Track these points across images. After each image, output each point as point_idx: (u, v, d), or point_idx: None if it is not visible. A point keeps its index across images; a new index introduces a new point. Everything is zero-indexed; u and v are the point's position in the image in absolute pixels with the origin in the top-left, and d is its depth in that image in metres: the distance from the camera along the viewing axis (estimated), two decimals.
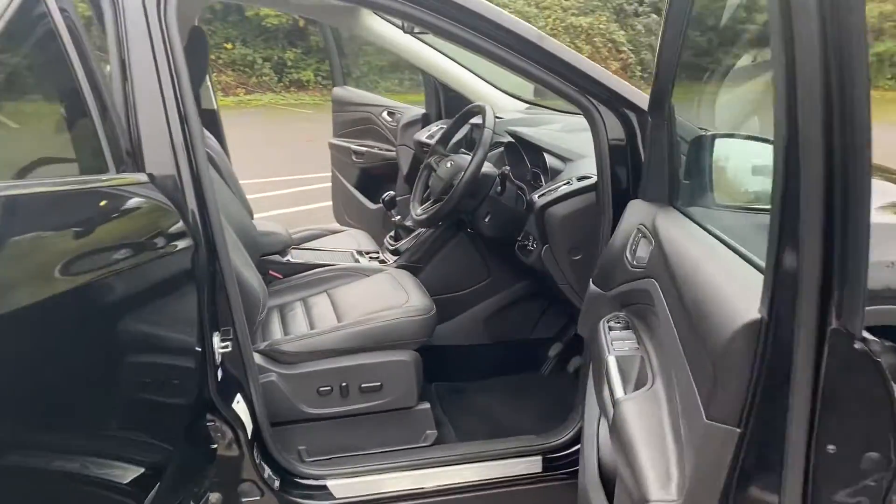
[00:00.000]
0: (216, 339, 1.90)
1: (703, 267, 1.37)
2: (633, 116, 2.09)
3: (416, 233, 2.96)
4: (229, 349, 1.94)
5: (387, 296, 2.52)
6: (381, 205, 4.10)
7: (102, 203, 1.58)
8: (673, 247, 1.54)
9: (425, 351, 2.41)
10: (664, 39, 1.75)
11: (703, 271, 1.35)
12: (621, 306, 1.83)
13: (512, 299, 2.95)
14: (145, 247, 1.62)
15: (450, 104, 3.73)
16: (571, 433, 2.22)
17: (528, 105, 3.64)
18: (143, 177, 1.72)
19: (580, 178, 2.30)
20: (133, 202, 1.65)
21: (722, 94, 2.17)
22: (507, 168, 2.43)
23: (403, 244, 2.97)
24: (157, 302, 1.72)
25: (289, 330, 2.41)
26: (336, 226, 3.53)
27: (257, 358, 2.19)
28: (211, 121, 3.60)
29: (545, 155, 2.47)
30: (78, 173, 1.67)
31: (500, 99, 3.68)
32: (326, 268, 2.77)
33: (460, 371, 2.87)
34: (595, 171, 2.27)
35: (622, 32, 18.67)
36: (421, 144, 3.61)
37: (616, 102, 2.08)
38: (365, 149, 4.20)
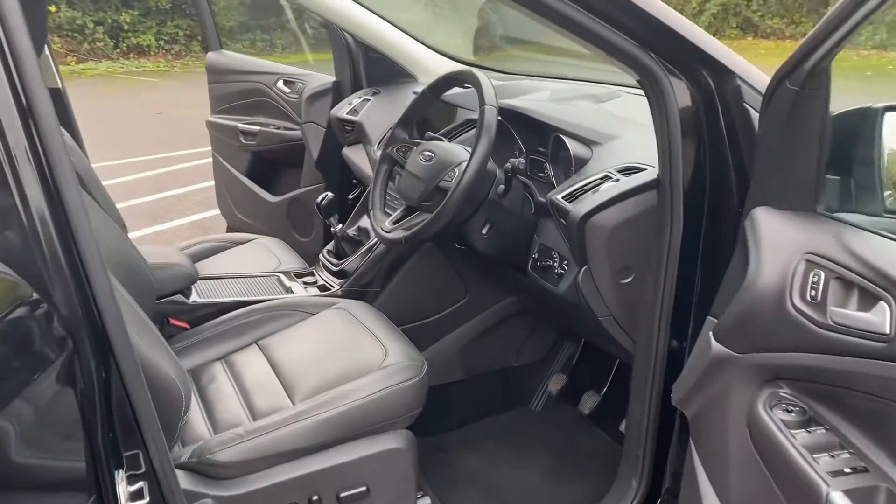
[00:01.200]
0: (121, 482, 1.11)
1: None
2: (711, 81, 1.43)
3: (368, 245, 2.17)
4: (144, 494, 1.14)
5: (352, 350, 1.75)
6: (284, 198, 3.29)
7: None
8: None
9: None
10: None
11: None
12: (775, 378, 1.18)
13: (494, 321, 2.25)
14: None
15: (371, 69, 2.92)
16: None
17: (466, 67, 2.90)
18: None
19: (625, 171, 1.61)
20: None
21: None
22: (520, 160, 1.69)
23: (351, 262, 2.17)
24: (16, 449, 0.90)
25: (217, 421, 1.60)
26: (239, 235, 2.68)
27: (180, 476, 1.39)
28: (56, 105, 2.62)
29: (564, 138, 1.76)
30: None
31: (433, 60, 2.91)
32: (250, 307, 1.95)
33: (435, 419, 2.15)
34: (647, 160, 1.60)
35: None
36: (342, 122, 2.80)
37: (696, 62, 1.41)
38: (257, 128, 3.32)
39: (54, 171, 1.01)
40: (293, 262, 2.42)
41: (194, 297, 2.01)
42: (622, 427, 2.03)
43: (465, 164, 1.70)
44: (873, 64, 10.67)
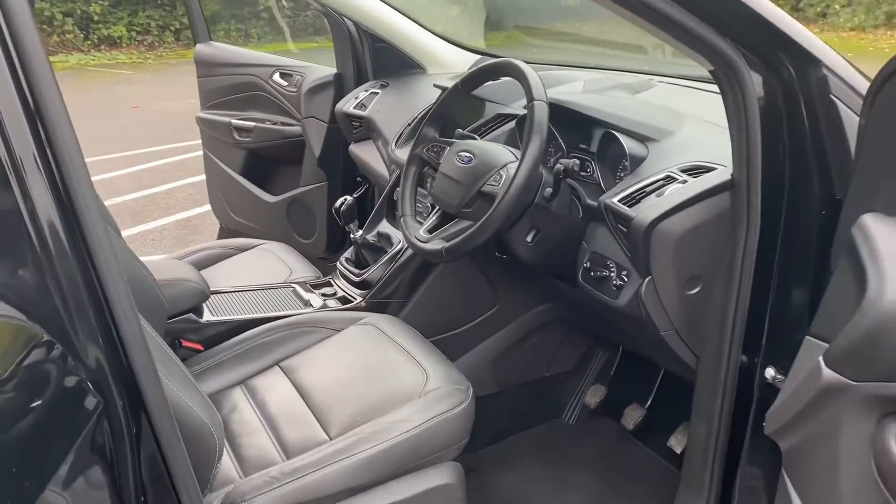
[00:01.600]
0: None
1: None
2: (793, 71, 1.28)
3: (392, 253, 2.00)
4: None
5: (388, 373, 1.58)
6: (283, 198, 3.10)
7: None
8: None
9: None
10: None
11: None
12: None
13: (526, 330, 2.09)
14: None
15: (377, 60, 2.74)
16: None
17: (481, 56, 2.72)
18: None
19: (691, 172, 1.45)
20: None
21: None
22: (573, 161, 1.52)
23: (374, 271, 2.00)
24: None
25: (246, 460, 1.42)
26: (242, 241, 2.48)
27: None
28: None
29: (618, 135, 1.59)
30: None
31: (442, 50, 2.74)
32: (268, 324, 1.77)
33: None
34: (714, 159, 1.44)
35: None
36: (349, 118, 2.62)
37: (779, 50, 1.26)
38: (252, 123, 3.12)
39: (72, 194, 0.84)
40: (305, 269, 2.24)
41: (207, 316, 1.82)
42: (671, 443, 1.89)
43: (510, 165, 1.54)
44: (854, 46, 10.64)
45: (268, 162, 3.19)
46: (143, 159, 6.59)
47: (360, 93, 2.64)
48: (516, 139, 1.87)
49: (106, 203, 5.21)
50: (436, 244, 1.57)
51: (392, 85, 2.61)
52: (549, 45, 2.60)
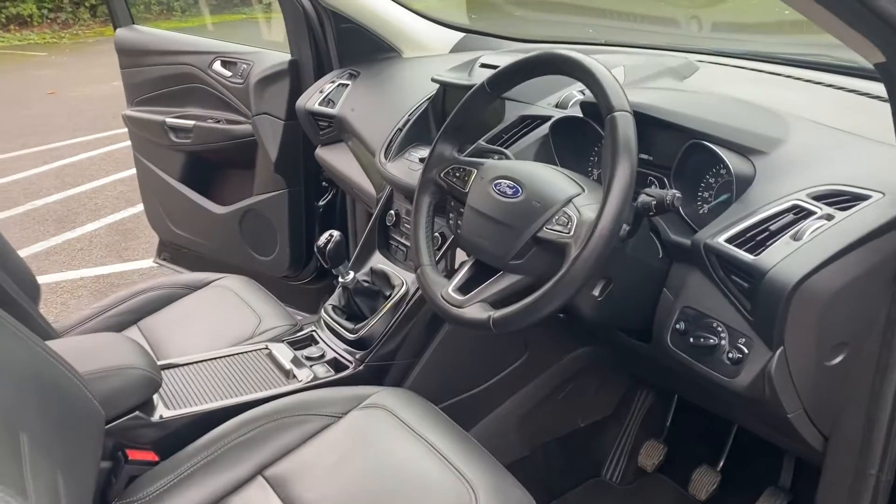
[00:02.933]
0: None
1: None
2: None
3: (394, 300, 1.52)
4: None
5: (419, 489, 1.14)
6: (234, 208, 2.59)
7: None
8: None
9: None
10: None
11: None
12: None
13: (562, 379, 1.67)
14: None
15: (343, 44, 2.24)
16: None
17: (465, 34, 2.25)
18: None
19: (832, 200, 1.04)
20: None
21: None
22: (673, 192, 1.06)
23: (373, 326, 1.52)
24: None
25: None
26: (191, 277, 1.97)
27: None
28: None
29: (716, 148, 1.16)
30: None
31: (421, 29, 2.26)
32: (244, 416, 1.30)
33: None
34: (860, 181, 1.04)
35: None
36: (315, 117, 2.12)
37: None
38: (192, 122, 2.58)
39: None
40: (277, 314, 1.76)
41: (160, 409, 1.33)
42: None
43: (579, 201, 1.09)
44: None
45: (213, 167, 2.67)
46: (65, 153, 5.88)
47: (326, 85, 2.15)
48: (551, 151, 1.42)
49: (25, 207, 4.54)
50: (476, 310, 1.12)
51: (364, 74, 2.13)
52: (544, 19, 2.16)
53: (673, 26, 1.84)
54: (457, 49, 2.24)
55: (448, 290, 1.19)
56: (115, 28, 2.74)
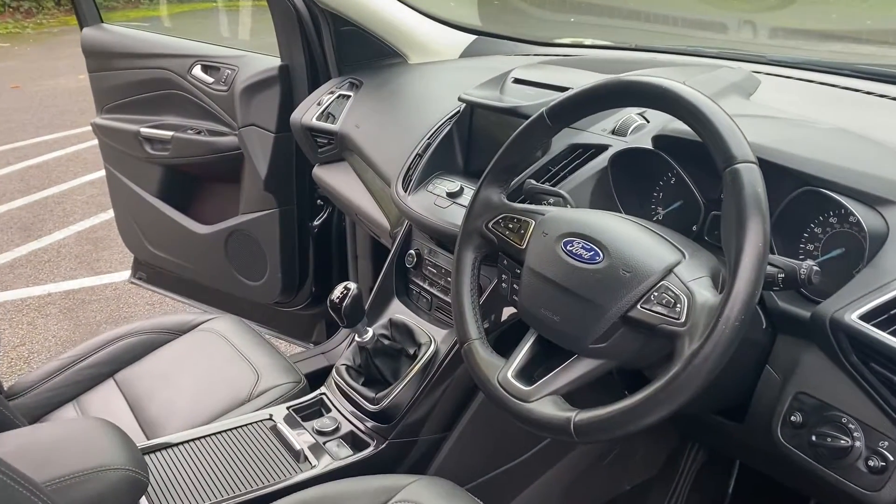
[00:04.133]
0: None
1: None
2: None
3: (421, 364, 1.27)
4: None
5: None
6: (218, 228, 2.32)
7: None
8: None
9: None
10: None
11: None
12: None
13: (609, 445, 1.44)
14: None
15: (343, 48, 1.97)
16: None
17: (477, 35, 2.00)
18: None
19: None
20: None
21: None
22: (810, 264, 0.84)
23: (397, 395, 1.26)
24: None
25: None
26: (174, 320, 1.71)
27: None
28: None
29: (843, 199, 0.93)
30: None
31: (428, 31, 2.00)
32: None
33: None
34: None
35: None
36: (313, 133, 1.86)
37: None
38: (170, 133, 2.30)
39: None
40: (277, 366, 1.51)
41: None
42: None
43: (682, 272, 0.85)
44: None
45: (194, 182, 2.40)
46: (30, 153, 5.52)
47: (324, 96, 1.89)
48: (609, 189, 1.18)
49: None
50: (550, 407, 0.88)
51: (367, 84, 1.87)
52: (565, 20, 1.91)
53: (719, 31, 1.60)
54: (467, 53, 1.99)
55: (507, 374, 0.95)
56: (81, 27, 2.44)
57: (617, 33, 1.78)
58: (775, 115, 1.20)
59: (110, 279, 3.55)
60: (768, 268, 0.83)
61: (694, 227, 1.14)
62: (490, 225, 1.05)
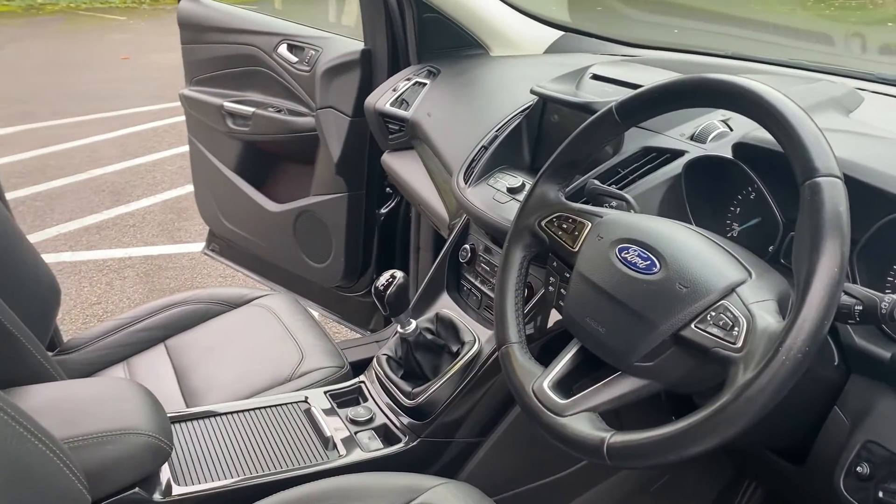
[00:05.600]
0: None
1: None
2: None
3: (463, 362, 1.22)
4: None
5: None
6: (289, 207, 2.32)
7: None
8: None
9: None
10: None
11: None
12: None
13: (656, 472, 1.35)
14: None
15: (426, 35, 1.93)
16: None
17: (564, 32, 1.92)
18: None
19: None
20: None
21: None
22: (894, 299, 0.75)
23: (434, 391, 1.21)
24: None
25: None
26: (230, 292, 1.71)
27: None
28: None
29: None
30: None
31: (516, 24, 1.94)
32: (274, 498, 1.02)
33: None
34: None
35: None
36: (385, 119, 1.83)
37: None
38: (251, 109, 2.32)
39: None
40: (322, 350, 1.48)
41: (166, 485, 1.06)
42: None
43: (745, 292, 0.77)
44: None
45: (270, 160, 2.41)
46: (130, 121, 5.75)
47: (400, 83, 1.85)
48: (681, 198, 1.09)
49: (83, 176, 4.39)
50: (584, 424, 0.81)
51: (444, 73, 1.82)
52: (658, 22, 1.81)
53: (823, 43, 1.48)
54: (552, 49, 1.91)
55: (543, 384, 0.88)
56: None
57: (714, 39, 1.67)
58: (875, 134, 1.08)
59: (188, 248, 3.63)
60: (844, 297, 0.74)
61: (770, 248, 1.04)
62: (543, 223, 0.98)
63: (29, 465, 0.80)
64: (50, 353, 1.51)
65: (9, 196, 4.14)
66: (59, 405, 1.00)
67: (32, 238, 3.65)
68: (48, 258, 3.39)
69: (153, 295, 3.17)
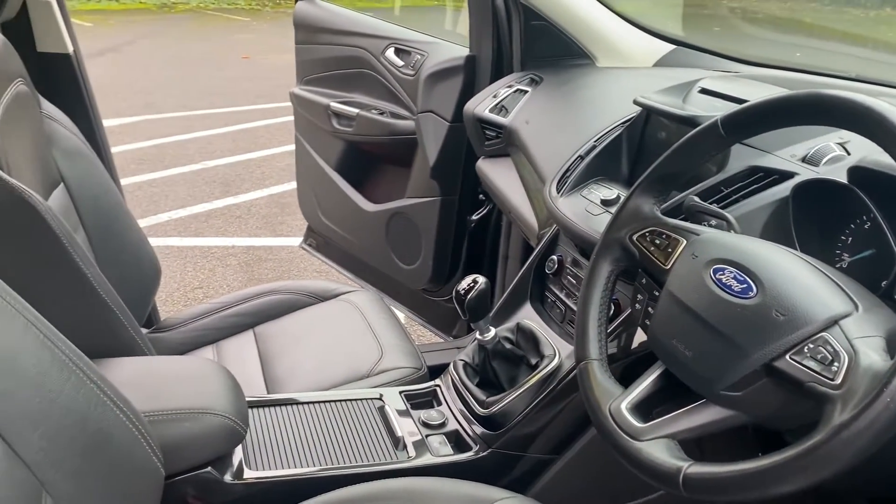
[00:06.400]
0: None
1: None
2: None
3: (542, 375, 1.19)
4: None
5: None
6: (383, 208, 2.35)
7: None
8: None
9: None
10: None
11: None
12: None
13: None
14: None
15: (531, 43, 1.91)
16: None
17: (675, 46, 1.86)
18: None
19: None
20: None
21: None
22: None
23: (510, 403, 1.18)
24: None
25: None
26: (319, 285, 1.74)
27: None
28: (65, 74, 1.73)
29: None
30: None
31: (625, 35, 1.88)
32: (338, 497, 1.02)
33: None
34: None
35: None
36: (482, 124, 1.82)
37: None
38: (355, 110, 2.36)
39: None
40: (402, 350, 1.48)
41: (238, 467, 1.08)
42: None
43: (850, 326, 0.70)
44: None
45: (369, 161, 2.44)
46: (244, 118, 5.99)
47: (501, 90, 1.84)
48: (788, 223, 1.02)
49: (198, 166, 4.59)
50: (661, 451, 0.76)
51: (547, 81, 1.79)
52: (778, 40, 1.71)
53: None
54: (662, 63, 1.85)
55: (621, 405, 0.84)
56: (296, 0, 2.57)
57: (841, 61, 1.56)
58: None
59: (288, 242, 3.74)
60: None
61: (883, 283, 0.96)
62: (635, 237, 0.94)
63: (109, 435, 0.83)
64: (146, 331, 1.58)
65: (128, 181, 4.41)
66: (143, 380, 1.04)
67: (146, 221, 3.86)
68: (157, 241, 3.57)
69: (251, 284, 3.27)
